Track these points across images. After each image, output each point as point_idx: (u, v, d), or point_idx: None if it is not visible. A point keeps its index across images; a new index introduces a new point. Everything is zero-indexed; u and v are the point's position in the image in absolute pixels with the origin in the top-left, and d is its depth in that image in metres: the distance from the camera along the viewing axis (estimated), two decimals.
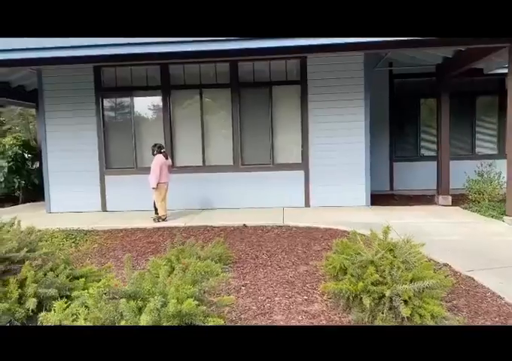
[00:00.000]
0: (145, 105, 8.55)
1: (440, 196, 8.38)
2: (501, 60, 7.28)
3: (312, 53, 7.01)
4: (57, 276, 3.43)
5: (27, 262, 3.29)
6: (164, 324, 2.28)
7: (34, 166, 10.77)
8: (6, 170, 9.82)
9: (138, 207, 7.84)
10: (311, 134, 7.98)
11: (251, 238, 5.72)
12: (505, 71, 6.99)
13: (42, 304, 3.29)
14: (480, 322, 3.23)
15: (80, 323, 2.32)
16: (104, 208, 8.39)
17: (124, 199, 8.20)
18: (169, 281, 2.60)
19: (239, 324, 3.22)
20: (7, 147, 10.02)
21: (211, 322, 2.39)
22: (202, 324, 2.38)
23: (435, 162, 8.87)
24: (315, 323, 3.28)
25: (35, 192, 10.55)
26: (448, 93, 8.23)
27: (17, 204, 10.09)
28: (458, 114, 9.60)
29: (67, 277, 3.49)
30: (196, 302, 2.40)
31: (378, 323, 3.14)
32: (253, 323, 3.30)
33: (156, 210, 7.22)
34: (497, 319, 3.26)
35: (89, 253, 5.25)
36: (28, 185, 10.35)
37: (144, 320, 2.05)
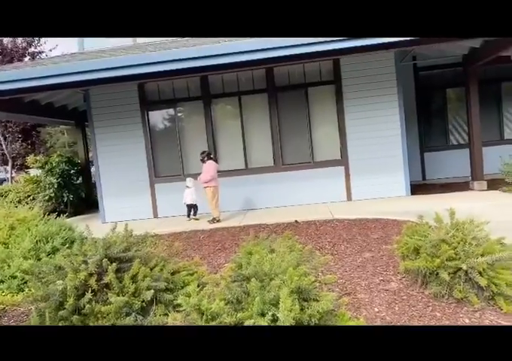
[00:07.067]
0: (188, 115, 9.03)
1: (475, 182, 8.62)
2: None
3: (345, 55, 7.35)
4: (161, 270, 3.88)
5: (137, 260, 3.73)
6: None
7: (78, 181, 11.37)
8: (56, 186, 10.38)
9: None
10: (348, 130, 8.34)
11: (309, 232, 6.09)
12: None
13: (153, 297, 3.73)
14: None
15: (215, 303, 2.73)
16: (155, 215, 8.88)
17: (174, 205, 8.62)
18: (279, 264, 3.00)
19: None
20: (53, 164, 10.58)
21: (325, 296, 2.78)
22: (318, 298, 2.77)
23: (464, 150, 9.19)
24: (398, 299, 3.64)
25: (82, 205, 11.14)
26: (476, 82, 8.51)
27: (68, 217, 10.62)
28: (484, 102, 9.82)
29: (168, 272, 3.94)
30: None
31: (456, 294, 3.50)
32: (339, 301, 3.68)
33: (189, 214, 8.00)
34: None
35: (164, 254, 5.67)
36: (75, 199, 10.91)
37: (285, 293, 2.44)
